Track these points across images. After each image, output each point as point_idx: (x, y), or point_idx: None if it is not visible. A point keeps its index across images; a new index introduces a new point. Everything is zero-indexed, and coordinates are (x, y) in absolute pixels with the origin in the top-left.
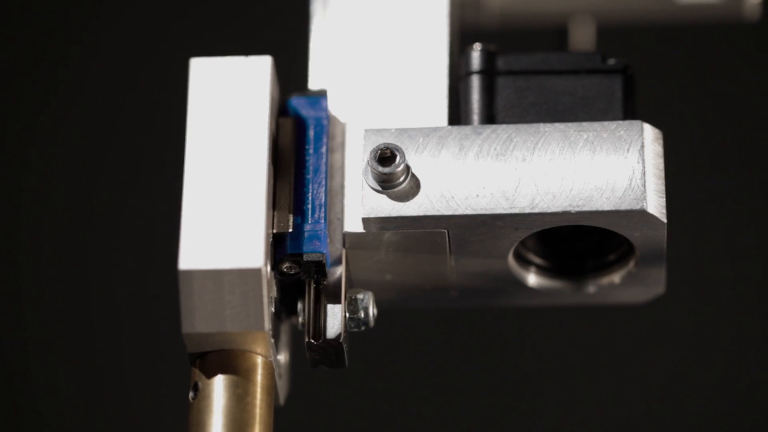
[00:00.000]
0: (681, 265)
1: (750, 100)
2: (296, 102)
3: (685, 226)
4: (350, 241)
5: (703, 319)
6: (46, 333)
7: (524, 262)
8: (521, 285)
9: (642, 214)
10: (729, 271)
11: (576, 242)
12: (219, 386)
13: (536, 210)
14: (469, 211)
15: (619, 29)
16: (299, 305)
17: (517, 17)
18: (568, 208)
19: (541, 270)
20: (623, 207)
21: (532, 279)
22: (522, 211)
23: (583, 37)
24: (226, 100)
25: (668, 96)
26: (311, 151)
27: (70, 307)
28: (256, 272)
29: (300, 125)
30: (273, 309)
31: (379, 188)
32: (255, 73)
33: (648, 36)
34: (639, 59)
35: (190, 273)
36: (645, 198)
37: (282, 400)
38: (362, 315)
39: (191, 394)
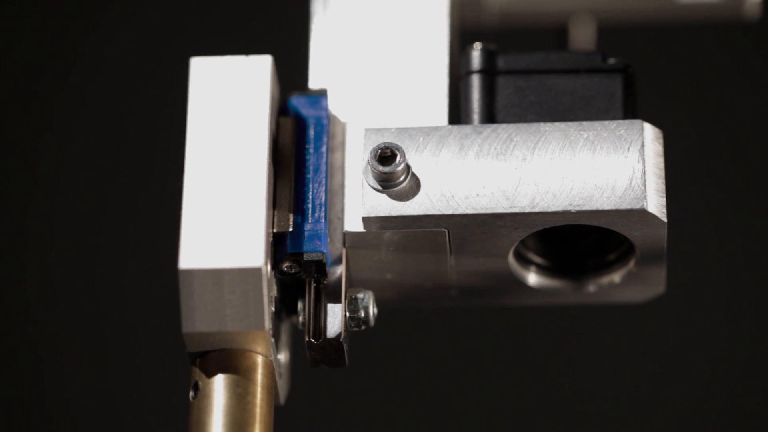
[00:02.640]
0: (681, 264)
1: (749, 99)
2: (296, 101)
3: (685, 225)
4: (350, 240)
5: (703, 318)
6: (45, 332)
7: (524, 262)
8: (521, 284)
9: (642, 214)
10: (729, 270)
11: (576, 241)
12: (219, 385)
13: (536, 209)
14: (469, 211)
15: (619, 29)
16: (299, 304)
17: (517, 16)
18: (569, 208)
19: (542, 269)
20: (623, 206)
21: (533, 278)
22: (522, 211)
23: (583, 36)
24: (227, 99)
25: (668, 96)
26: (311, 150)
27: (69, 307)
28: (257, 271)
29: (300, 124)
30: (273, 308)
31: (379, 187)
32: (255, 72)
33: (648, 36)
34: (639, 59)
35: (190, 272)
36: (645, 197)
37: (282, 399)
38: (362, 314)
39: (191, 394)
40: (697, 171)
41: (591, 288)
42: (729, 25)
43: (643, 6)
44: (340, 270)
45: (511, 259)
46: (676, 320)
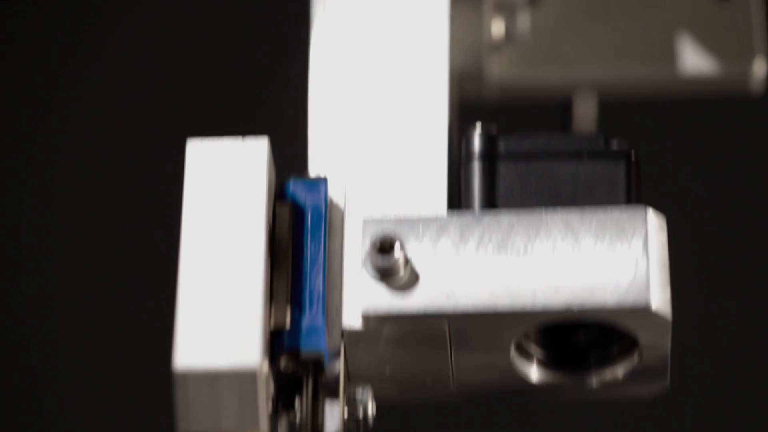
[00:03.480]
0: (681, 265)
1: (757, 176)
2: (294, 186)
3: (685, 229)
4: (348, 336)
5: (702, 318)
6: (43, 337)
7: (526, 356)
8: (524, 380)
9: (646, 311)
10: (729, 271)
11: (578, 333)
12: None
13: (538, 306)
14: (469, 308)
15: (622, 102)
16: (297, 402)
17: (518, 90)
18: (571, 305)
19: (544, 364)
20: (627, 302)
21: (535, 374)
22: (524, 308)
23: (585, 111)
24: (222, 187)
25: (671, 162)
26: (309, 239)
27: (70, 310)
28: (252, 374)
29: (298, 212)
30: (270, 406)
31: (378, 278)
32: (251, 157)
33: (651, 108)
34: (642, 130)
35: (185, 375)
36: (649, 293)
37: None
38: (361, 414)
39: None
40: (700, 179)
41: (594, 383)
42: (733, 98)
43: (646, 79)
44: (338, 365)
45: (513, 353)
46: (676, 323)
